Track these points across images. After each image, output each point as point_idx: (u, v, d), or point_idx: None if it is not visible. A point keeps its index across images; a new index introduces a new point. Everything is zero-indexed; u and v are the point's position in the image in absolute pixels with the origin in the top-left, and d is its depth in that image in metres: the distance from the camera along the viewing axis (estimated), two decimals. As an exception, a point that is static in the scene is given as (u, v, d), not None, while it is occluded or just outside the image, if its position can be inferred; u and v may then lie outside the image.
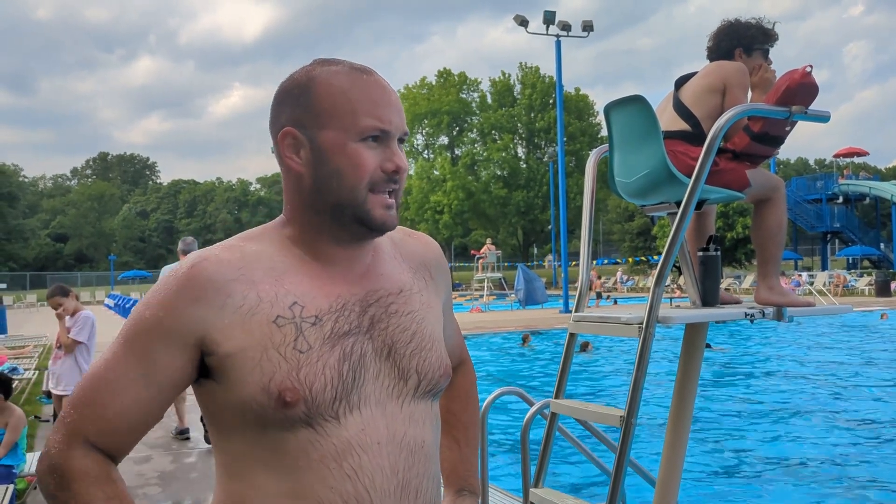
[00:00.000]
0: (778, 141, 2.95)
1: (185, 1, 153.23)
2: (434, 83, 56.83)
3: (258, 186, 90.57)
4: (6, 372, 7.66)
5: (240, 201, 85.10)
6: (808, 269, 43.37)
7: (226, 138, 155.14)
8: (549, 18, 25.03)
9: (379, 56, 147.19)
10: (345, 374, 1.12)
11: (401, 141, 1.19)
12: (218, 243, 1.19)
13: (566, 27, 25.46)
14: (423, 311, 1.26)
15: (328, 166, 1.16)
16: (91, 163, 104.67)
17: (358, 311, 1.18)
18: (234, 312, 1.11)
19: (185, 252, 7.09)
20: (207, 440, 6.15)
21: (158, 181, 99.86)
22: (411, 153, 58.00)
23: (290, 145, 1.19)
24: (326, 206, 1.17)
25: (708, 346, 14.45)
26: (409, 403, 1.19)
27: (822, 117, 2.73)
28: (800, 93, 2.67)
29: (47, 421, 7.55)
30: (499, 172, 53.80)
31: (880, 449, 7.24)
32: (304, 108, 1.17)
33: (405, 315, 1.22)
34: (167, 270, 8.21)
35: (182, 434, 7.31)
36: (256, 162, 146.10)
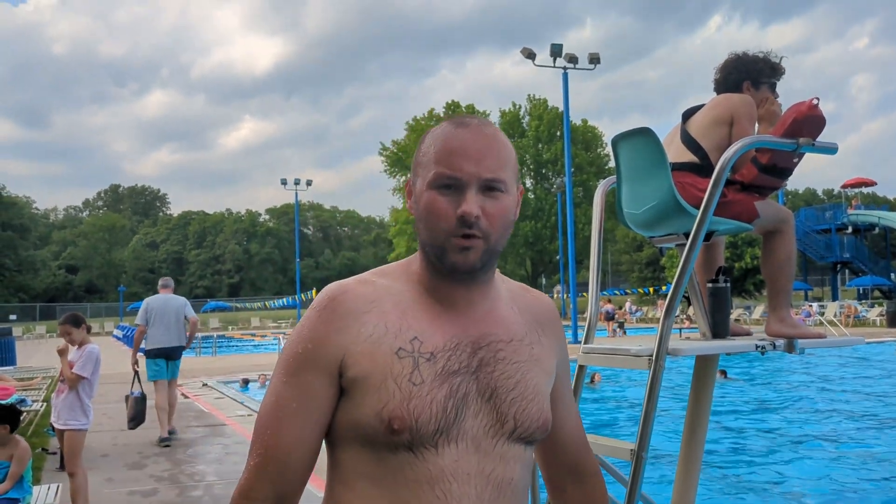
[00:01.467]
0: (786, 173, 2.95)
1: (198, 36, 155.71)
2: (442, 115, 57.27)
3: (267, 217, 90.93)
4: (14, 403, 7.65)
5: (249, 232, 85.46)
6: (819, 299, 43.05)
7: (236, 170, 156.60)
8: (556, 51, 25.26)
9: (388, 89, 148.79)
10: (448, 409, 1.21)
11: (489, 189, 1.24)
12: (352, 277, 1.33)
13: (573, 60, 25.68)
14: (530, 364, 1.32)
15: (418, 212, 1.28)
16: (102, 195, 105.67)
17: (469, 352, 1.27)
18: (366, 341, 1.23)
19: (165, 287, 8.87)
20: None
21: (168, 212, 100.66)
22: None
23: (408, 191, 1.35)
24: (423, 246, 1.29)
25: (724, 373, 14.28)
26: (502, 444, 1.26)
27: (830, 149, 2.73)
28: (807, 125, 2.67)
29: (54, 453, 7.52)
30: (507, 203, 53.88)
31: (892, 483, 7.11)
32: (415, 158, 1.33)
33: (512, 363, 1.30)
34: (147, 302, 8.69)
35: (165, 441, 8.31)
36: (266, 193, 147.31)
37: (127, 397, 8.18)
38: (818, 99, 2.67)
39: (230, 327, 43.17)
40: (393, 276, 1.32)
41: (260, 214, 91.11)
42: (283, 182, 45.37)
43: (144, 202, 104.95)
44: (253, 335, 34.44)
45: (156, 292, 9.01)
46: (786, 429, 10.01)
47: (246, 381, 14.80)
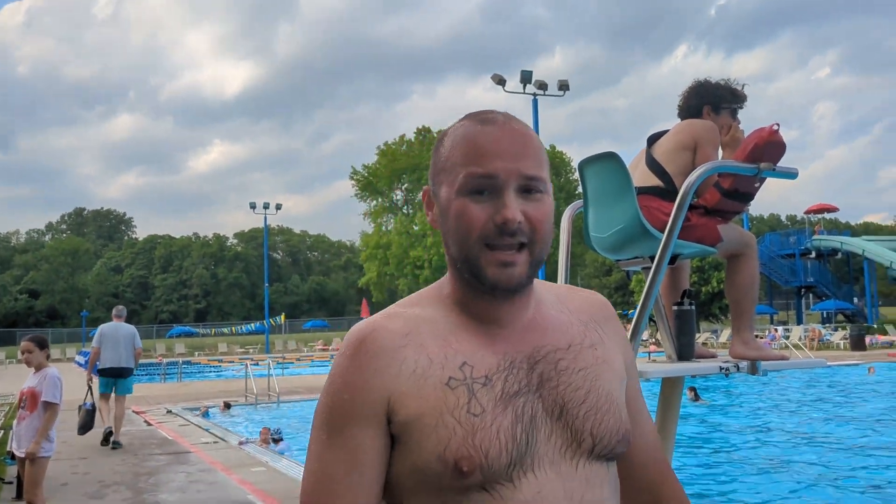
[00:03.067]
0: (748, 197, 3.00)
1: (167, 59, 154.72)
2: (413, 140, 57.56)
3: (235, 242, 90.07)
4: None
5: (216, 257, 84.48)
6: (784, 323, 43.67)
7: (204, 194, 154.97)
8: (525, 78, 25.57)
9: (360, 114, 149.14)
10: (518, 437, 1.06)
11: (528, 190, 1.08)
12: (378, 313, 1.16)
13: (542, 86, 26.01)
14: (597, 368, 1.16)
15: (446, 224, 1.12)
16: (66, 218, 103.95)
17: (526, 368, 1.11)
18: (409, 378, 1.07)
19: (118, 316, 10.07)
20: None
21: (134, 236, 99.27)
22: (391, 209, 58.33)
23: (427, 203, 1.19)
24: (453, 262, 1.14)
25: (694, 390, 14.33)
26: (584, 466, 1.10)
27: (790, 174, 2.79)
28: (768, 150, 2.72)
29: (10, 483, 7.30)
30: (478, 228, 54.14)
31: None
32: (433, 164, 1.17)
33: (576, 372, 1.14)
34: (101, 328, 9.72)
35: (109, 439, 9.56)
36: (235, 217, 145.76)
37: (79, 407, 9.38)
38: (778, 125, 2.72)
39: (196, 353, 42.45)
40: (423, 303, 1.17)
41: (228, 238, 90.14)
42: (253, 206, 45.07)
43: (109, 226, 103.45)
44: (220, 361, 33.95)
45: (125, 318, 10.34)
46: (757, 451, 10.09)
47: (207, 410, 14.48)
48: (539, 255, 1.10)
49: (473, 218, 1.07)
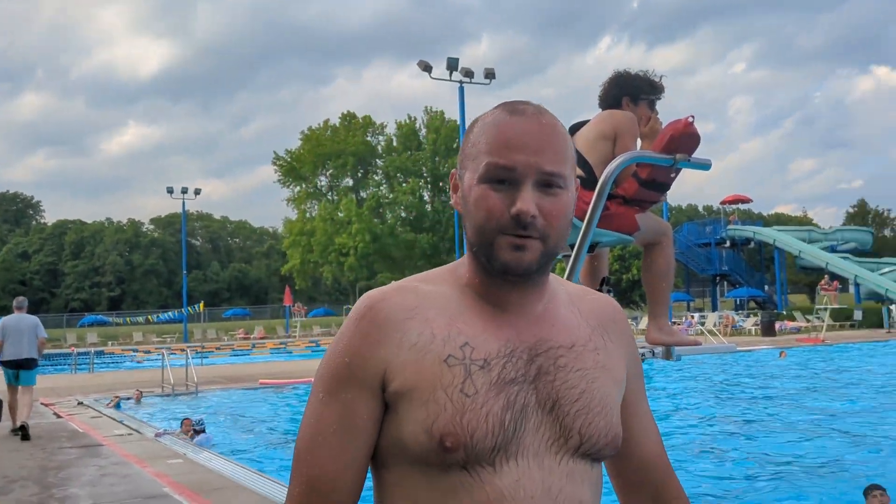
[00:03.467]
0: (664, 187, 3.07)
1: (77, 36, 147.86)
2: (339, 125, 56.90)
3: (152, 227, 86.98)
4: None
5: (131, 243, 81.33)
6: (700, 310, 45.28)
7: (118, 177, 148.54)
8: (452, 65, 25.60)
9: (283, 98, 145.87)
10: (507, 423, 1.09)
11: (547, 184, 1.11)
12: (391, 283, 1.21)
13: (469, 74, 26.11)
14: (596, 372, 1.18)
15: (467, 207, 1.16)
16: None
17: (526, 358, 1.14)
18: (409, 350, 1.11)
19: (19, 308, 10.26)
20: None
21: (43, 221, 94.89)
22: (315, 195, 57.60)
23: (453, 186, 1.23)
24: (470, 245, 1.17)
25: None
26: (567, 461, 1.12)
27: (704, 165, 2.85)
28: (683, 141, 2.78)
29: None
30: (404, 215, 54.05)
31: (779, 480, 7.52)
32: (462, 149, 1.21)
33: (574, 371, 1.16)
34: (3, 321, 9.93)
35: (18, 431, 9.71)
36: (151, 202, 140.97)
37: None
38: (693, 117, 2.78)
39: (110, 342, 40.94)
40: (437, 281, 1.20)
41: (143, 224, 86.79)
42: (170, 190, 43.66)
43: (16, 210, 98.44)
44: (135, 351, 32.92)
45: (34, 305, 10.83)
46: (678, 436, 10.43)
47: (118, 399, 14.00)
48: (553, 248, 1.14)
49: (491, 206, 1.11)
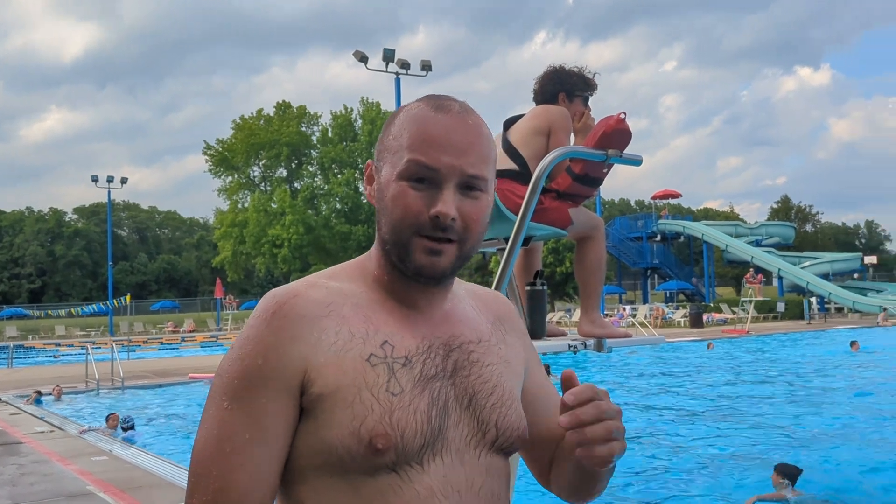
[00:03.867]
0: (597, 182, 3.11)
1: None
2: (272, 115, 55.93)
3: (75, 217, 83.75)
4: None
5: (53, 233, 78.24)
6: (632, 302, 46.36)
7: (39, 165, 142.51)
8: (388, 56, 25.46)
9: (214, 85, 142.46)
10: (433, 420, 1.07)
11: (468, 187, 1.09)
12: (297, 281, 1.14)
13: (405, 65, 26.00)
14: (502, 367, 1.19)
15: (381, 202, 1.12)
16: None
17: (442, 354, 1.13)
18: (329, 349, 1.05)
19: None
20: None
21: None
22: (247, 185, 56.56)
23: (368, 177, 1.18)
24: (382, 242, 1.13)
25: (547, 367, 15.03)
26: (485, 456, 1.12)
27: (635, 161, 2.90)
28: (615, 137, 2.82)
29: None
30: (339, 207, 53.58)
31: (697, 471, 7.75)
32: (381, 140, 1.16)
33: (486, 366, 1.16)
34: None
35: None
36: (74, 191, 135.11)
37: None
38: (625, 114, 2.82)
39: (31, 336, 39.40)
40: (345, 278, 1.15)
41: (66, 213, 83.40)
42: (95, 179, 42.20)
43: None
44: (58, 345, 31.77)
45: None
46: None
47: (39, 394, 13.48)
48: (468, 251, 1.11)
49: (410, 205, 1.08)
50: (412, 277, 1.11)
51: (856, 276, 41.96)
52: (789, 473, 6.04)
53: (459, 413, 1.11)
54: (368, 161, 1.19)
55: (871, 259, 43.36)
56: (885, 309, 30.77)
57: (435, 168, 1.07)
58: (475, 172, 1.09)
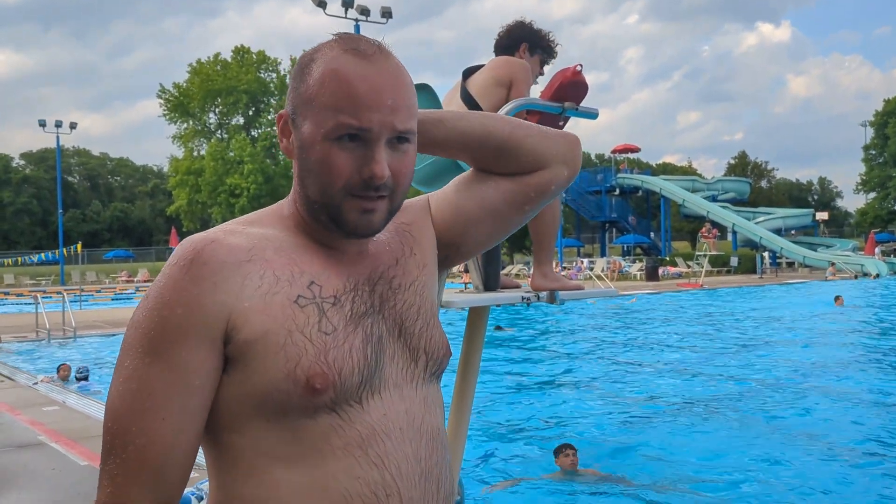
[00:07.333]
0: (553, 134, 3.10)
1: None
2: (230, 60, 54.46)
3: (23, 163, 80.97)
4: None
5: (0, 180, 76.08)
6: (589, 255, 46.93)
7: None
8: (347, 2, 24.90)
9: (167, 28, 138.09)
10: (369, 356, 1.07)
11: (400, 140, 1.07)
12: (214, 228, 1.10)
13: (365, 12, 25.50)
14: (423, 278, 1.20)
15: (305, 162, 1.08)
16: None
17: (368, 290, 1.13)
18: (253, 294, 1.02)
19: None
20: None
21: None
22: (203, 133, 55.33)
23: (282, 129, 1.12)
24: (308, 201, 1.10)
25: (499, 327, 15.22)
26: (421, 387, 1.13)
27: (591, 114, 2.89)
28: (571, 89, 2.80)
29: None
30: (298, 156, 52.85)
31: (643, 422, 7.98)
32: (294, 89, 1.10)
33: (408, 288, 1.17)
34: None
35: None
36: (21, 136, 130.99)
37: None
38: (581, 65, 2.81)
39: (-20, 285, 38.55)
40: (264, 223, 1.13)
41: (13, 159, 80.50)
42: (42, 124, 40.83)
43: None
44: (6, 294, 31.06)
45: None
46: (547, 372, 10.86)
47: None
48: (398, 203, 1.11)
49: (340, 167, 1.05)
50: (346, 237, 1.11)
51: (793, 232, 42.79)
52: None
53: (393, 346, 1.12)
54: (281, 112, 1.13)
55: (822, 215, 44.50)
56: (832, 264, 31.69)
57: (366, 128, 1.04)
58: (406, 127, 1.07)
